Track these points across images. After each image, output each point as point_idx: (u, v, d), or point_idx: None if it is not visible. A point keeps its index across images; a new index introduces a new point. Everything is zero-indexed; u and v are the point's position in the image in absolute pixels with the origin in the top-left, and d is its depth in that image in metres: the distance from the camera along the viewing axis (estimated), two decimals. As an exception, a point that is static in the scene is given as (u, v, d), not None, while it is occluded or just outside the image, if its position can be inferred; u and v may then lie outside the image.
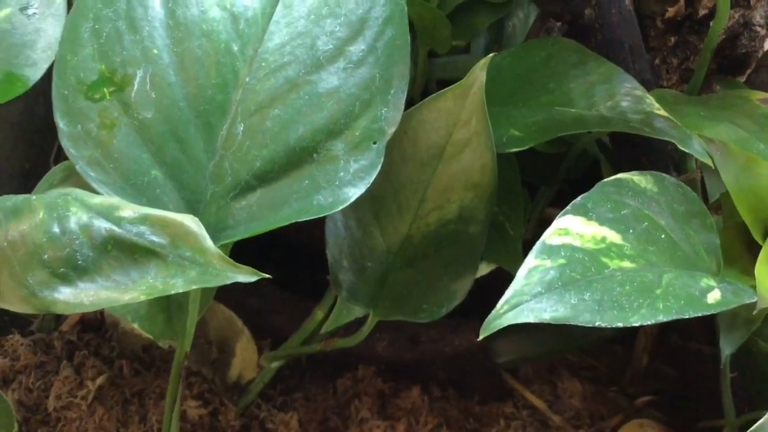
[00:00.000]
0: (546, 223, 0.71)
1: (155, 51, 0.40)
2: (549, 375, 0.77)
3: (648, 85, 0.58)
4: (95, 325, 0.75)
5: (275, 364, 0.71)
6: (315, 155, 0.41)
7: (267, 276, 0.34)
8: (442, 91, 0.46)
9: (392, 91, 0.41)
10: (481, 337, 0.39)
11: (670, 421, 0.72)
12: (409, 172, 0.48)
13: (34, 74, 0.43)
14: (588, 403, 0.75)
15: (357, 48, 0.41)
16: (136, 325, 0.53)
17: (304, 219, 0.41)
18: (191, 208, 0.41)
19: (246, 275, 0.33)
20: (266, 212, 0.41)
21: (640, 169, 0.45)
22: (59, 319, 0.74)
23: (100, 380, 0.70)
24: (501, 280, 0.54)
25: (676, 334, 0.65)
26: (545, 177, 0.66)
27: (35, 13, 0.44)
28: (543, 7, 0.68)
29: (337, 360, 0.75)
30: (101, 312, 0.76)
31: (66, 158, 0.41)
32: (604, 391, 0.76)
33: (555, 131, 0.48)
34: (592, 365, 0.78)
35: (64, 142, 0.40)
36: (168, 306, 0.54)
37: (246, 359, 0.74)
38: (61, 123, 0.40)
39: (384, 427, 0.70)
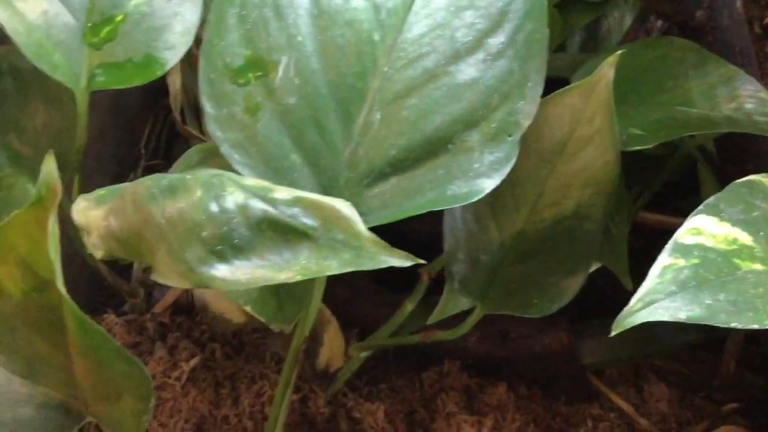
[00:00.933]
0: (640, 226, 0.70)
1: (300, 38, 0.41)
2: (635, 378, 0.76)
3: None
4: (186, 308, 0.77)
5: (364, 355, 0.72)
6: (450, 146, 0.42)
7: (422, 261, 0.34)
8: (568, 87, 0.46)
9: (529, 84, 0.41)
10: (613, 333, 0.39)
11: (756, 430, 0.71)
12: (530, 167, 0.48)
13: (172, 57, 0.45)
14: (674, 408, 0.74)
15: (497, 40, 0.41)
16: (248, 308, 0.54)
17: (439, 208, 0.42)
18: (326, 193, 0.42)
19: (400, 259, 0.34)
20: (399, 200, 0.42)
21: (744, 174, 0.45)
22: (150, 301, 0.75)
23: (193, 362, 0.71)
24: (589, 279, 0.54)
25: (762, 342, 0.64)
26: (646, 179, 0.66)
27: (175, -2, 0.45)
28: (652, 6, 0.67)
29: (423, 353, 0.75)
30: (191, 295, 0.77)
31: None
32: (691, 397, 0.75)
33: (681, 130, 0.48)
34: (678, 370, 0.78)
35: (210, 125, 0.41)
36: (278, 292, 0.55)
37: (334, 348, 0.75)
38: (207, 106, 0.41)
39: (471, 422, 0.70)
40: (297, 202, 0.35)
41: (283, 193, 0.36)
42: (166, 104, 0.92)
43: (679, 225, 0.58)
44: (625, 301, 0.39)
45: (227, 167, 0.41)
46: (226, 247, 0.35)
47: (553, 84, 0.62)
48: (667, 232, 0.41)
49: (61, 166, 0.50)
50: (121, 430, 0.43)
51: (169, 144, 0.90)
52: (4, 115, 0.49)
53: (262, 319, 0.54)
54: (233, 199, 0.35)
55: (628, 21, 0.78)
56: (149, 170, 0.86)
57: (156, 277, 0.36)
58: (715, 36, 0.58)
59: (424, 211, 0.41)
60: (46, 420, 0.43)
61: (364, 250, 0.34)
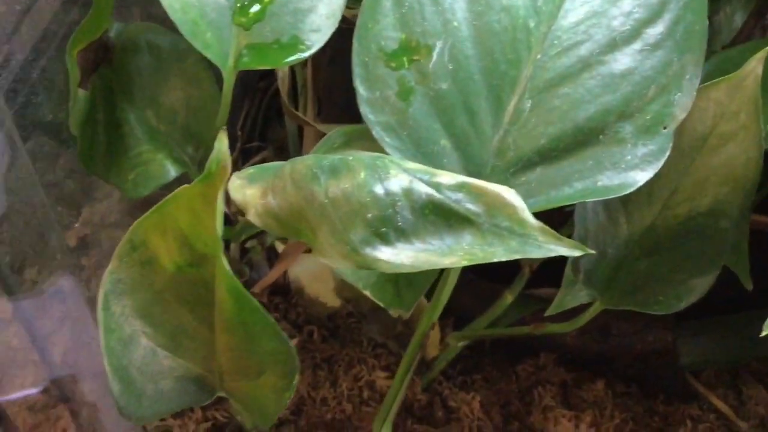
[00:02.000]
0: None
1: (455, 23, 0.41)
2: (733, 380, 0.75)
3: None
4: (282, 290, 0.78)
5: (461, 344, 0.72)
6: (601, 136, 0.41)
7: (592, 252, 0.34)
8: (714, 81, 0.45)
9: (687, 77, 0.40)
10: (764, 333, 0.38)
11: None
12: (668, 161, 0.47)
13: (318, 40, 0.45)
14: (774, 411, 0.73)
15: (655, 30, 0.40)
16: (367, 293, 0.54)
17: (588, 200, 0.41)
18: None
19: (569, 248, 0.33)
20: (546, 190, 0.41)
21: None
22: (249, 281, 0.76)
23: (292, 343, 0.72)
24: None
25: None
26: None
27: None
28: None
29: (518, 345, 0.75)
30: (288, 278, 0.78)
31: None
32: (789, 401, 0.73)
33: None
34: (776, 373, 0.76)
35: (363, 108, 0.41)
36: (396, 278, 0.55)
37: (430, 336, 0.75)
38: (360, 89, 0.41)
39: (569, 416, 0.69)
40: (461, 187, 0.35)
41: (447, 177, 0.35)
42: (261, 87, 0.93)
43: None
44: (723, 301, 0.37)
45: (371, 150, 0.41)
46: (390, 230, 0.35)
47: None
48: None
49: (196, 145, 0.51)
50: (256, 407, 0.44)
51: (265, 126, 0.90)
52: (142, 91, 0.50)
53: (381, 304, 0.54)
54: (398, 181, 0.35)
55: (739, 19, 0.76)
56: (245, 152, 0.87)
57: (317, 257, 0.36)
58: None
59: (572, 203, 0.41)
60: (181, 393, 0.44)
61: (530, 238, 0.34)
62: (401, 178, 0.35)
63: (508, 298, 0.69)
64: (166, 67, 0.49)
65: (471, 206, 0.35)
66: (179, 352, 0.42)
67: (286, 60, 0.44)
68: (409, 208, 0.35)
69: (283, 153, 0.86)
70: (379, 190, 0.35)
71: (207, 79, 0.49)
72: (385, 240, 0.35)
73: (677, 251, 0.50)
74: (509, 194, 0.35)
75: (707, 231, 0.49)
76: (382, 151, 0.41)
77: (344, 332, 0.75)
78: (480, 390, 0.72)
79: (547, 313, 0.56)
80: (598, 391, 0.71)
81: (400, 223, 0.35)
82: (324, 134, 0.76)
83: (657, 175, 0.49)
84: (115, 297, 0.39)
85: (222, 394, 0.46)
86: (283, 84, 0.73)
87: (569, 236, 0.43)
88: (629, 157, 0.41)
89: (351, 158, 0.36)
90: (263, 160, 0.90)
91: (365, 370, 0.72)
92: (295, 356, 0.40)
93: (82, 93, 0.48)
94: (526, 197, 0.42)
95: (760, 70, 0.45)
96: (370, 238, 0.35)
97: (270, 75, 0.93)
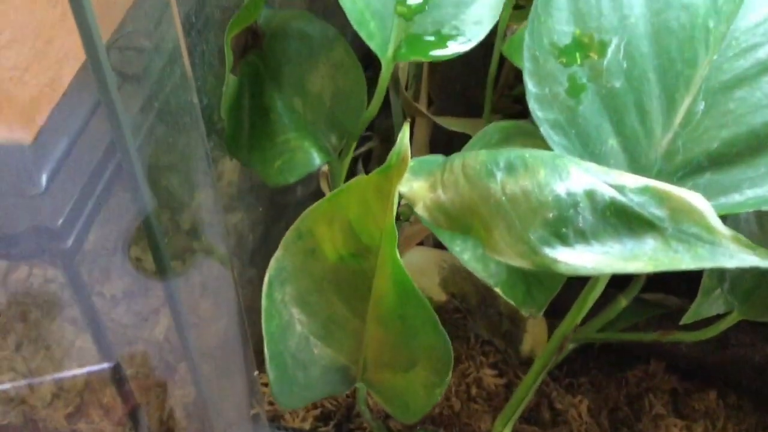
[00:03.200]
0: None
1: (632, 20, 0.39)
2: None
3: None
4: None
5: (570, 346, 0.70)
6: (777, 142, 0.39)
7: (788, 264, 0.32)
8: None
9: None
10: None
11: None
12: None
13: (479, 32, 0.44)
14: None
15: (842, 34, 0.39)
16: (498, 290, 0.53)
17: (762, 208, 0.40)
18: (637, 183, 0.40)
19: (763, 259, 0.32)
20: (715, 196, 0.40)
21: None
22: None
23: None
24: None
25: None
26: None
27: (482, -28, 0.44)
28: None
29: (628, 350, 0.74)
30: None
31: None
32: None
33: None
34: None
35: (532, 104, 0.40)
36: (527, 277, 0.54)
37: (536, 336, 0.74)
38: (529, 84, 0.40)
39: (681, 426, 0.68)
40: (645, 190, 0.34)
41: (630, 179, 0.34)
42: (367, 76, 0.93)
43: None
44: None
45: (534, 147, 0.41)
46: (569, 231, 0.34)
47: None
48: None
49: (341, 133, 0.51)
50: (401, 400, 0.44)
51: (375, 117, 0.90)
52: (290, 78, 0.50)
53: (512, 303, 0.54)
54: (580, 182, 0.34)
55: None
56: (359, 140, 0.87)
57: (491, 253, 0.36)
58: None
59: (743, 211, 0.39)
60: (326, 382, 0.44)
61: (721, 246, 0.33)
62: (583, 178, 0.35)
63: (622, 302, 0.68)
64: (315, 55, 0.49)
65: (655, 210, 0.34)
66: (329, 341, 0.42)
67: (445, 53, 0.44)
68: (591, 210, 0.34)
69: (389, 143, 0.85)
70: (560, 189, 0.34)
71: (354, 67, 0.49)
72: (565, 241, 0.34)
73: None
74: (696, 199, 0.34)
75: None
76: (542, 147, 0.41)
77: (450, 327, 0.74)
78: (587, 393, 0.71)
79: (684, 321, 0.55)
80: (710, 401, 0.69)
81: (580, 225, 0.34)
82: (436, 125, 0.75)
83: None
84: (278, 284, 0.39)
85: (360, 384, 0.46)
86: (403, 74, 0.73)
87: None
88: (807, 166, 0.39)
89: (528, 155, 0.36)
90: (369, 151, 0.90)
91: (473, 366, 0.71)
92: (451, 352, 0.39)
93: (232, 78, 0.49)
94: (693, 202, 0.41)
95: None
96: (549, 239, 0.34)
97: (376, 64, 0.93)
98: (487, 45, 0.50)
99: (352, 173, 0.84)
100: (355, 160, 0.86)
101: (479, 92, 0.71)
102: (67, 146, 0.48)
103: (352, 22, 0.42)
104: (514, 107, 0.77)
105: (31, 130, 0.49)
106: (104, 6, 0.45)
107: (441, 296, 0.76)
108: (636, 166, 0.41)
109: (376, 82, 0.45)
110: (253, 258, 0.71)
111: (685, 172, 0.40)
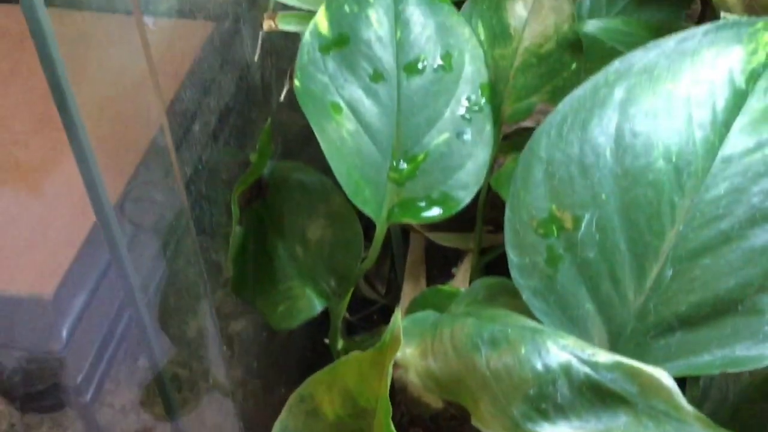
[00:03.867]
0: None
1: (603, 196, 0.43)
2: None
3: None
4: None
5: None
6: (740, 307, 0.43)
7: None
8: None
9: (826, 254, 0.42)
10: None
11: None
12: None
13: (465, 196, 0.48)
14: None
15: (795, 210, 0.42)
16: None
17: (727, 371, 0.43)
18: (613, 342, 0.44)
19: (724, 438, 0.35)
20: (686, 355, 0.43)
21: None
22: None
23: (398, 445, 0.74)
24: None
25: None
26: None
27: (469, 139, 0.49)
28: None
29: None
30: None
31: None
32: None
33: None
34: None
35: (513, 272, 0.43)
36: None
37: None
38: (511, 254, 0.44)
39: None
40: (617, 367, 0.38)
41: (603, 356, 0.38)
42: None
43: None
44: None
45: (516, 307, 0.44)
46: (549, 406, 0.37)
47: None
48: None
49: (339, 280, 0.54)
50: None
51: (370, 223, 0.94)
52: (291, 226, 0.53)
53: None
54: (557, 358, 0.38)
55: None
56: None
57: (478, 424, 0.39)
58: None
59: (712, 372, 0.43)
60: None
61: (687, 425, 0.36)
62: (560, 354, 0.38)
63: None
64: (314, 205, 0.53)
65: (626, 386, 0.37)
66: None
67: (435, 215, 0.47)
68: (568, 385, 0.37)
69: (384, 250, 0.89)
70: (539, 366, 0.38)
71: (351, 217, 0.52)
72: (545, 416, 0.37)
73: (801, 401, 0.51)
74: (664, 376, 0.37)
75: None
76: (525, 309, 0.44)
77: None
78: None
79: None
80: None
81: (559, 400, 0.37)
82: (430, 241, 0.79)
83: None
84: (281, 443, 0.42)
85: None
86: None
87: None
88: (766, 328, 0.42)
89: (510, 330, 0.39)
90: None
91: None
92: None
93: (238, 228, 0.52)
94: (666, 361, 0.44)
95: None
96: (531, 414, 0.37)
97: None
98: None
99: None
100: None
101: (472, 207, 0.75)
102: (85, 301, 0.51)
103: (348, 194, 0.46)
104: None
105: (51, 283, 0.52)
106: (115, 160, 0.49)
107: (438, 403, 0.79)
108: (611, 327, 0.44)
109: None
110: (259, 363, 0.73)
111: (657, 332, 0.44)
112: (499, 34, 0.61)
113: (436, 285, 0.84)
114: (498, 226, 0.81)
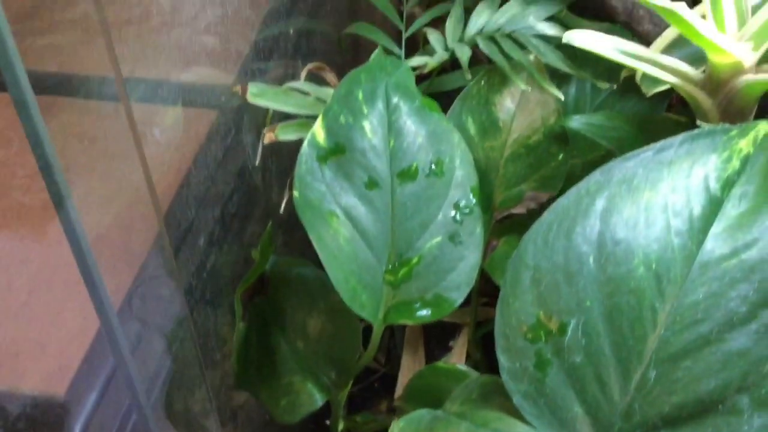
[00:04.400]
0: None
1: (588, 303, 0.46)
2: None
3: None
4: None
5: None
6: (720, 407, 0.45)
7: None
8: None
9: (801, 357, 0.44)
10: None
11: None
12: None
13: (458, 296, 0.50)
14: None
15: (770, 314, 0.45)
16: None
17: (711, 468, 0.45)
18: (600, 441, 0.46)
19: None
20: (670, 453, 0.45)
21: None
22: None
23: None
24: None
25: None
26: None
27: (460, 241, 0.51)
28: None
29: None
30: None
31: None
32: None
33: None
34: None
35: (504, 376, 0.46)
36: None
37: None
38: (502, 358, 0.46)
39: None
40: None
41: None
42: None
43: None
44: None
45: (508, 407, 0.46)
46: None
47: None
48: None
49: (339, 373, 0.56)
50: None
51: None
52: (293, 321, 0.56)
53: None
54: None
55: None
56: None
57: None
58: None
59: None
60: None
61: None
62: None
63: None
64: (314, 300, 0.55)
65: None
66: None
67: (429, 316, 0.50)
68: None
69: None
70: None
71: (349, 311, 0.55)
72: None
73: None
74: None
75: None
76: (516, 411, 0.46)
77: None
78: None
79: None
80: None
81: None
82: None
83: None
84: None
85: None
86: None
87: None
88: (746, 428, 0.44)
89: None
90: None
91: None
92: None
93: (241, 324, 0.55)
94: (651, 458, 0.46)
95: None
96: None
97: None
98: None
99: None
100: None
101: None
102: (96, 401, 0.53)
103: (345, 300, 0.48)
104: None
105: (63, 381, 0.54)
106: (115, 263, 0.51)
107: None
108: (599, 427, 0.46)
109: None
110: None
111: (643, 431, 0.46)
112: (488, 128, 0.64)
113: (434, 356, 0.86)
114: (493, 298, 0.83)
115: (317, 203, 0.49)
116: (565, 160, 0.65)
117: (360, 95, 0.52)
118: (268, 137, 0.52)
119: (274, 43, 0.74)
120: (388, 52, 0.71)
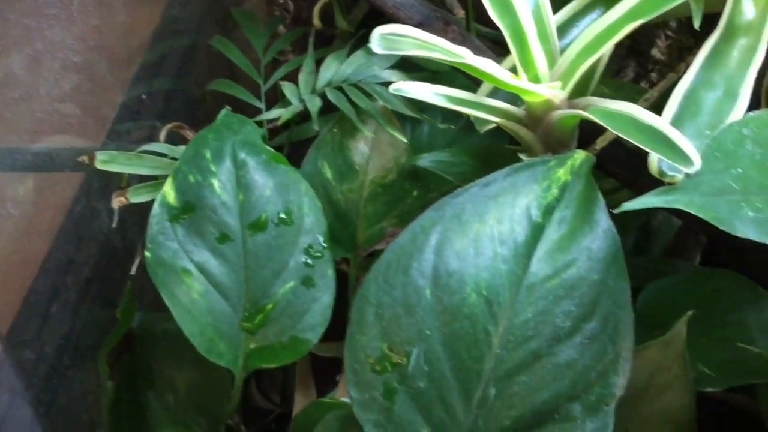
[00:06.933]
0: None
1: (427, 332, 0.49)
2: None
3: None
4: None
5: None
6: (556, 416, 0.49)
7: None
8: (647, 343, 0.54)
9: (621, 362, 0.49)
10: None
11: None
12: (617, 407, 0.55)
13: (313, 336, 0.53)
14: None
15: (591, 325, 0.49)
16: None
17: (550, 473, 0.49)
18: (451, 459, 0.49)
19: None
20: (514, 464, 0.49)
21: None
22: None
23: None
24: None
25: None
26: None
27: (313, 284, 0.54)
28: (696, 227, 0.76)
29: None
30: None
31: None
32: None
33: (747, 377, 0.55)
34: None
35: (355, 408, 0.48)
36: None
37: None
38: (353, 392, 0.49)
39: None
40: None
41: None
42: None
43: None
44: None
45: (365, 436, 0.49)
46: None
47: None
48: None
49: (210, 420, 0.58)
50: None
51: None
52: (161, 376, 0.57)
53: None
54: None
55: (676, 220, 0.86)
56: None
57: None
58: (761, 257, 0.66)
59: (537, 476, 0.48)
60: None
61: None
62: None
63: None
64: (180, 353, 0.57)
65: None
66: None
67: (289, 358, 0.52)
68: None
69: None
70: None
71: (214, 364, 0.57)
72: None
73: (634, 483, 0.57)
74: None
75: (658, 464, 0.57)
76: (372, 438, 0.49)
77: None
78: None
79: None
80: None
81: None
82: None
83: (609, 420, 0.57)
84: None
85: None
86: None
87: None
88: (580, 433, 0.49)
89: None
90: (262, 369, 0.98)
91: None
92: None
93: (110, 384, 0.56)
94: (498, 470, 0.50)
95: (684, 331, 0.54)
96: None
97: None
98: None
99: (246, 394, 0.91)
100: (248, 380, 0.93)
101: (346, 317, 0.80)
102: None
103: (202, 352, 0.50)
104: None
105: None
106: None
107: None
108: (447, 446, 0.49)
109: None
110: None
111: (488, 445, 0.49)
112: (345, 171, 0.68)
113: (324, 392, 0.89)
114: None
115: (170, 261, 0.51)
116: (420, 195, 0.69)
117: (208, 154, 0.54)
118: (117, 201, 0.53)
119: (140, 105, 0.76)
120: (249, 106, 0.74)
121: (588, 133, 0.61)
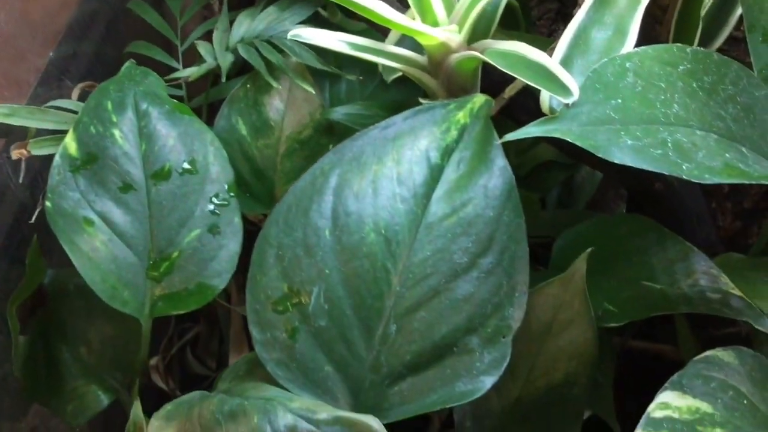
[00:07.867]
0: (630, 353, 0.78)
1: (327, 271, 0.50)
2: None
3: (715, 248, 0.66)
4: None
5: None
6: (455, 349, 0.50)
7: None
8: (549, 280, 0.56)
9: (516, 295, 0.50)
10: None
11: None
12: (522, 346, 0.57)
13: (220, 283, 0.54)
14: None
15: (487, 260, 0.50)
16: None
17: (451, 405, 0.50)
18: (354, 394, 0.50)
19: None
20: (416, 397, 0.50)
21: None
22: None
23: None
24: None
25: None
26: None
27: (219, 232, 0.54)
28: (615, 180, 0.77)
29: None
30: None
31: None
32: None
33: (647, 311, 0.56)
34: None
35: (257, 348, 0.49)
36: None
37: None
38: (254, 332, 0.49)
39: None
40: (336, 421, 0.44)
41: (324, 413, 0.44)
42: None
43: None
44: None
45: (269, 377, 0.50)
46: (283, 466, 0.43)
47: (538, 246, 0.72)
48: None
49: (124, 373, 0.59)
50: None
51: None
52: (74, 330, 0.58)
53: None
54: (284, 422, 0.44)
55: (599, 174, 0.88)
56: (180, 332, 0.95)
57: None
58: (672, 203, 0.68)
59: (439, 408, 0.50)
60: None
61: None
62: (287, 417, 0.44)
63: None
64: (94, 308, 0.57)
65: (349, 437, 0.44)
66: None
67: (196, 304, 0.53)
68: (296, 443, 0.43)
69: (212, 327, 0.94)
70: (269, 431, 0.43)
71: (129, 317, 0.57)
72: (279, 475, 0.43)
73: (542, 417, 0.59)
74: (374, 422, 0.44)
75: (565, 398, 0.58)
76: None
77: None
78: None
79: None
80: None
81: (289, 458, 0.43)
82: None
83: (516, 356, 0.58)
84: None
85: None
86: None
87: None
88: (479, 364, 0.50)
89: (247, 403, 0.45)
90: (197, 335, 0.98)
91: None
92: None
93: (22, 338, 0.56)
94: (401, 404, 0.51)
95: (584, 268, 0.55)
96: (268, 476, 0.43)
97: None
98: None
99: (183, 361, 0.92)
100: (183, 347, 0.94)
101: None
102: None
103: (104, 298, 0.51)
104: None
105: None
106: None
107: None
108: (351, 382, 0.50)
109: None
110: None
111: (391, 380, 0.51)
112: (260, 127, 0.68)
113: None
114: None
115: (71, 210, 0.51)
116: (336, 151, 0.70)
117: (109, 105, 0.54)
118: (17, 153, 0.53)
119: (63, 70, 0.75)
120: (166, 66, 0.74)
121: (498, 83, 0.62)
